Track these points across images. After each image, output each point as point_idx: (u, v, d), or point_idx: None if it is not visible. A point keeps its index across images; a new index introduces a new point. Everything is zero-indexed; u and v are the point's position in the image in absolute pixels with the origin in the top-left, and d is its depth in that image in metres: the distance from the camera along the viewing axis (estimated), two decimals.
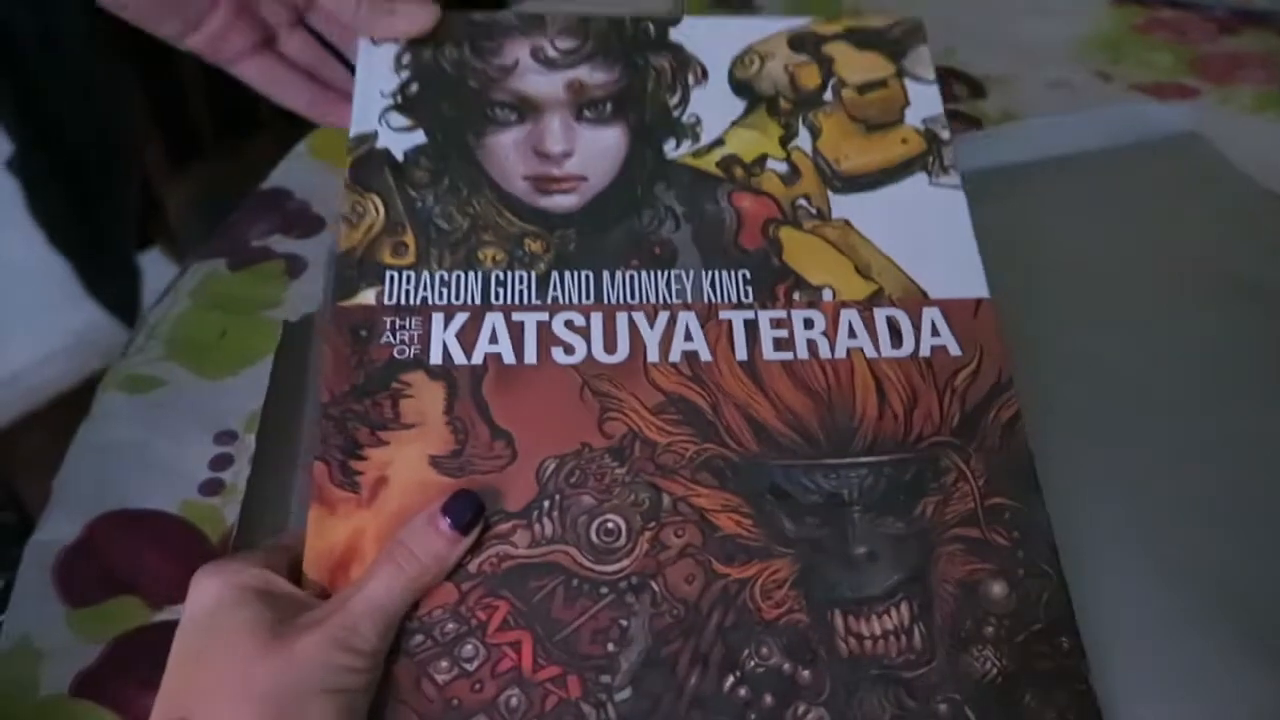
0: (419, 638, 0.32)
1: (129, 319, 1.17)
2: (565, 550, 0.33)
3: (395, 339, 0.36)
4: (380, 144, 0.40)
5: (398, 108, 0.40)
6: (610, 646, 0.32)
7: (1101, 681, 0.33)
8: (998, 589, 0.33)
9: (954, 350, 0.37)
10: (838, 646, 0.32)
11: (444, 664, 0.31)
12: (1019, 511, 0.35)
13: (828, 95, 0.42)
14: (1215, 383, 0.46)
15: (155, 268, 1.23)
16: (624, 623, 0.32)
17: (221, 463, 0.43)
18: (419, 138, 0.40)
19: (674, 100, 0.42)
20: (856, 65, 0.43)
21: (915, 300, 0.38)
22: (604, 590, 0.33)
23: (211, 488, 0.42)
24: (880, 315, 0.38)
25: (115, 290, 1.17)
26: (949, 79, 0.66)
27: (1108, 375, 0.45)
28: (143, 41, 0.41)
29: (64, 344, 0.64)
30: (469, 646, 0.32)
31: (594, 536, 0.33)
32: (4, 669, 0.37)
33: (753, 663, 0.32)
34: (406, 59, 0.42)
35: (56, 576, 0.39)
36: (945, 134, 0.41)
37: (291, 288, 0.51)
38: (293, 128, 0.56)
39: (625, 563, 0.33)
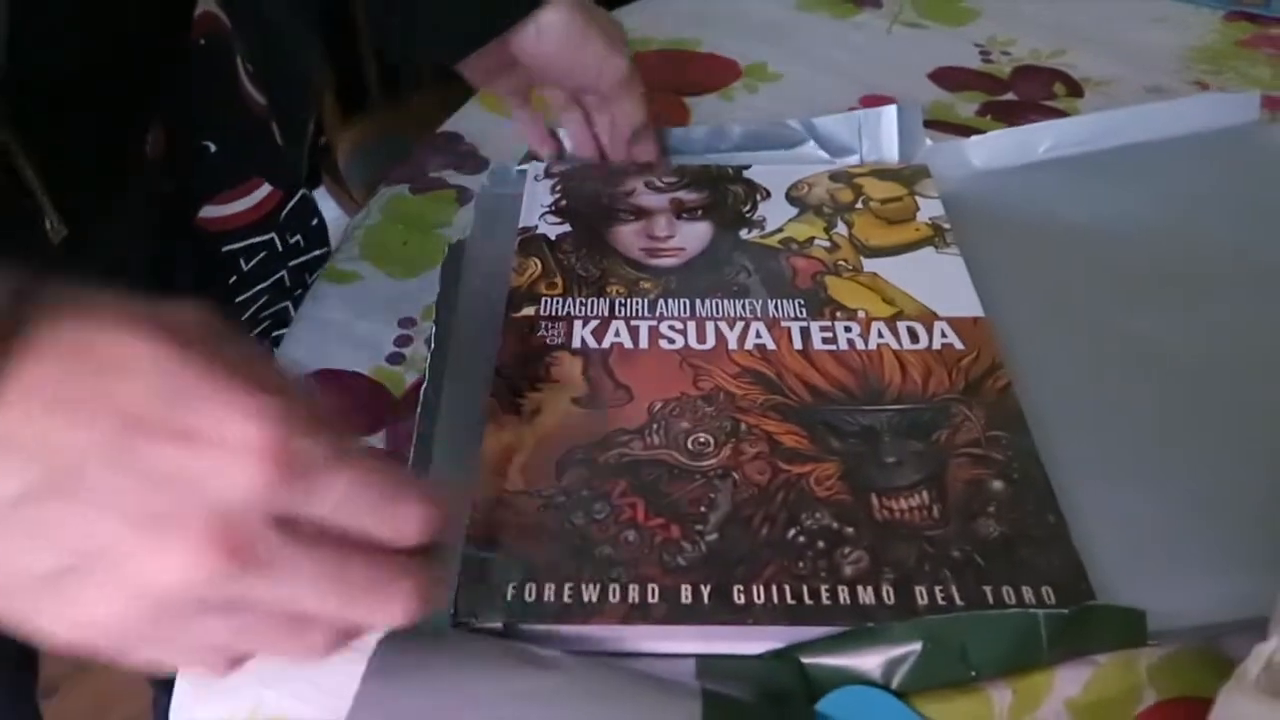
0: (561, 498, 0.43)
1: None
2: (669, 453, 0.45)
3: (547, 333, 0.50)
4: (539, 232, 0.57)
5: (553, 213, 0.58)
6: (702, 509, 0.43)
7: (1085, 550, 0.42)
8: (997, 484, 0.44)
9: (959, 346, 0.50)
10: (875, 515, 0.43)
11: (579, 515, 0.43)
12: (1011, 439, 0.45)
13: (858, 205, 0.58)
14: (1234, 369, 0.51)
15: (320, 204, 1.44)
16: (712, 496, 0.43)
17: (404, 341, 0.56)
18: (566, 228, 0.57)
19: (746, 208, 0.58)
20: (879, 189, 0.60)
21: (928, 317, 0.51)
22: (697, 477, 0.44)
23: (395, 359, 0.55)
24: (902, 325, 0.51)
25: None
26: (1050, 77, 0.75)
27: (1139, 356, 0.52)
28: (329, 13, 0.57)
29: None
30: (598, 505, 0.43)
31: (689, 445, 0.45)
32: None
33: (809, 522, 0.42)
34: (559, 187, 0.59)
35: None
36: (947, 225, 0.57)
37: (459, 212, 0.64)
38: (449, 88, 0.70)
39: (713, 461, 0.45)
